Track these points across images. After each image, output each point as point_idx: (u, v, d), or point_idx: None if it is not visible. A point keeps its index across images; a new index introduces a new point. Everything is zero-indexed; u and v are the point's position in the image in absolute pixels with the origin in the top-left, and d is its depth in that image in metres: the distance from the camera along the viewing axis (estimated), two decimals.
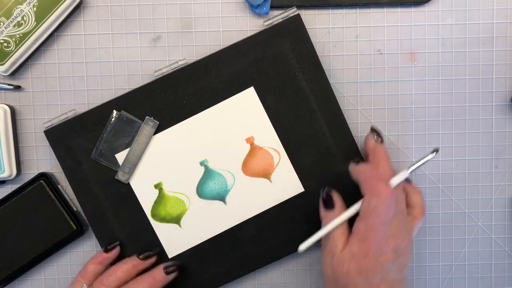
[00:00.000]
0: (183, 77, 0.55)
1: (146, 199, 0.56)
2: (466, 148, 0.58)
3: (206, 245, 0.56)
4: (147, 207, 0.56)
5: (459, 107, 0.58)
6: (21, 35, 0.54)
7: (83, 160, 0.55)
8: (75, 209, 0.57)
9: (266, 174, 0.56)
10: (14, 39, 0.54)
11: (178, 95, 0.55)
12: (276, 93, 0.55)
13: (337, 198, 0.52)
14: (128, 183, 0.56)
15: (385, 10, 0.57)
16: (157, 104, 0.55)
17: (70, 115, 0.55)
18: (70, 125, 0.55)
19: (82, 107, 0.57)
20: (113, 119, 0.54)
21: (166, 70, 0.55)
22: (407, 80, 0.58)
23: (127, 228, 0.56)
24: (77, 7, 0.56)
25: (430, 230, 0.59)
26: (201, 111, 0.55)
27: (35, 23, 0.54)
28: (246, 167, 0.56)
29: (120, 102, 0.55)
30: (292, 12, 0.55)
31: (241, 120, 0.56)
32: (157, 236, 0.56)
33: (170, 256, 0.56)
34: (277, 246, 0.57)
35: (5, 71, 0.55)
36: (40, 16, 0.54)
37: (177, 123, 0.55)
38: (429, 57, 0.58)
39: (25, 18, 0.54)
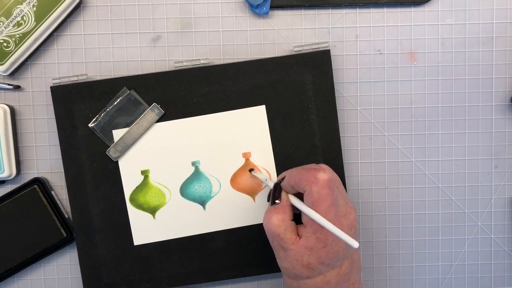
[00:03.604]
0: (201, 76, 0.55)
1: (129, 182, 0.56)
2: (466, 148, 0.58)
3: (173, 244, 0.57)
4: (128, 190, 0.56)
5: (459, 107, 0.58)
6: (20, 35, 0.54)
7: (80, 126, 0.55)
8: (66, 216, 0.57)
9: (251, 193, 0.57)
10: (13, 39, 0.54)
11: (190, 91, 0.55)
12: (285, 119, 0.56)
13: (284, 193, 0.51)
14: (117, 162, 0.56)
15: (384, 10, 0.57)
16: (167, 94, 0.55)
17: (81, 79, 0.55)
18: (78, 88, 0.55)
19: None
20: (121, 96, 0.55)
21: (186, 64, 0.56)
22: (407, 80, 0.58)
23: (102, 204, 0.56)
24: (77, 7, 0.56)
25: (430, 230, 0.59)
26: (208, 113, 0.56)
27: (34, 23, 0.54)
28: (235, 180, 0.56)
29: (132, 81, 0.55)
30: (323, 46, 0.56)
31: (244, 133, 0.56)
32: (129, 220, 0.56)
33: (135, 244, 0.56)
34: (242, 265, 0.57)
35: (5, 71, 0.55)
36: (40, 16, 0.54)
37: (181, 118, 0.56)
38: (429, 57, 0.58)
39: (24, 18, 0.54)
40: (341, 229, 0.46)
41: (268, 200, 0.55)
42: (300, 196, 0.49)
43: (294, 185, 0.49)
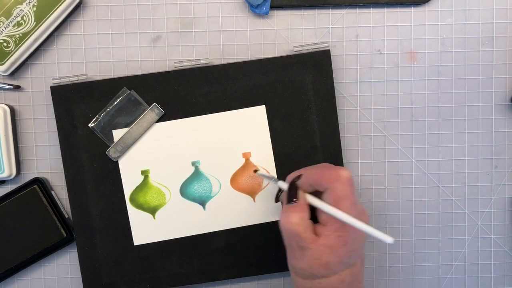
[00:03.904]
0: (201, 76, 0.55)
1: (129, 182, 0.56)
2: (466, 148, 0.58)
3: (173, 244, 0.57)
4: (128, 190, 0.56)
5: (459, 107, 0.58)
6: (20, 35, 0.54)
7: (80, 126, 0.55)
8: (66, 216, 0.57)
9: (251, 193, 0.57)
10: (13, 39, 0.54)
11: (190, 91, 0.55)
12: (285, 119, 0.56)
13: (301, 192, 0.49)
14: (117, 162, 0.56)
15: (384, 10, 0.57)
16: (167, 94, 0.55)
17: (81, 79, 0.55)
18: (78, 88, 0.55)
19: None
20: (121, 96, 0.55)
21: (186, 64, 0.56)
22: (407, 80, 0.58)
23: (102, 204, 0.56)
24: (77, 7, 0.56)
25: (430, 230, 0.59)
26: (208, 113, 0.56)
27: (34, 23, 0.54)
28: (235, 180, 0.56)
29: (132, 81, 0.55)
30: (323, 46, 0.56)
31: (244, 133, 0.56)
32: (129, 220, 0.56)
33: (135, 244, 0.56)
34: (241, 265, 0.57)
35: (5, 71, 0.55)
36: (40, 16, 0.54)
37: (181, 118, 0.56)
38: (429, 57, 0.58)
39: (24, 18, 0.54)
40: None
41: (276, 201, 0.55)
42: (314, 195, 0.48)
43: (314, 183, 0.48)
